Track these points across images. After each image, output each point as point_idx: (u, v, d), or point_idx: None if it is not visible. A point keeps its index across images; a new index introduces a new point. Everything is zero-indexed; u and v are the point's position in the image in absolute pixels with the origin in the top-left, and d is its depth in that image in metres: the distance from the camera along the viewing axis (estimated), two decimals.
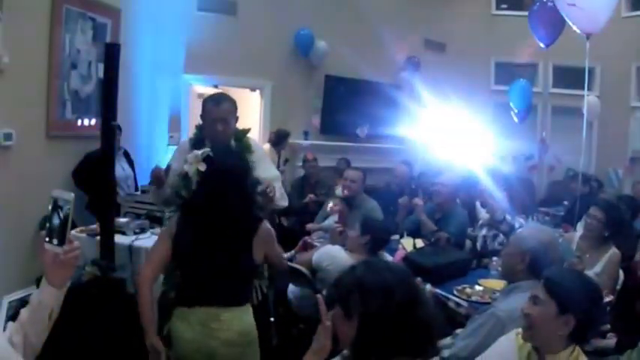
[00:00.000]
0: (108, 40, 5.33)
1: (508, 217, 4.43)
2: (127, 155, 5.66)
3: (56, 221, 1.49)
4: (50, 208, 1.49)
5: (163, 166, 3.23)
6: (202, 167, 2.74)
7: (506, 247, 2.81)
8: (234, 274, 2.57)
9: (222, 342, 2.49)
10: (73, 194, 1.49)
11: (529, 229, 2.89)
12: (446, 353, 2.51)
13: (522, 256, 2.51)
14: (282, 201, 3.26)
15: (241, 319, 2.57)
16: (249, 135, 3.35)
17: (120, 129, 5.43)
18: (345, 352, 1.69)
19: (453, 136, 7.59)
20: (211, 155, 2.77)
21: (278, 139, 7.00)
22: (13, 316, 4.07)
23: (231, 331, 2.51)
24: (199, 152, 2.81)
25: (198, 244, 2.54)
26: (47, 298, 1.53)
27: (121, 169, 5.37)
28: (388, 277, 1.63)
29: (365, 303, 1.60)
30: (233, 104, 3.15)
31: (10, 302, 4.33)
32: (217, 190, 2.55)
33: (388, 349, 1.58)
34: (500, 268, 3.28)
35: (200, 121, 3.20)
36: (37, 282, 3.95)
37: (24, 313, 1.55)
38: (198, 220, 2.57)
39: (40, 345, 1.56)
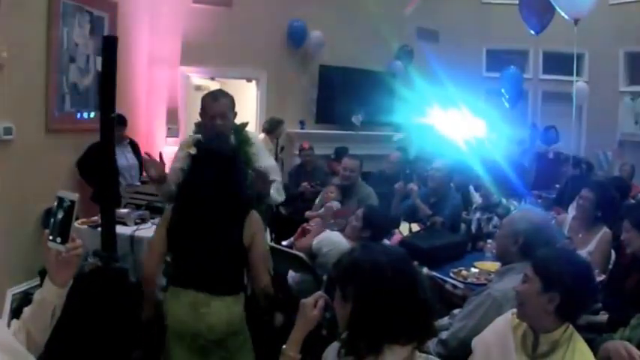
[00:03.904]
0: (105, 33, 5.36)
1: (504, 201, 4.52)
2: (133, 145, 5.72)
3: (60, 220, 1.51)
4: (55, 207, 1.52)
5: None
6: (193, 151, 2.77)
7: (500, 230, 2.85)
8: (226, 257, 2.61)
9: (208, 326, 2.57)
10: (77, 194, 1.52)
11: (521, 212, 2.93)
12: (444, 335, 2.56)
13: (515, 237, 2.56)
14: (278, 196, 3.31)
15: (229, 309, 2.62)
16: (246, 129, 3.41)
17: (125, 121, 5.48)
18: (344, 335, 1.68)
19: (446, 122, 7.68)
20: (201, 140, 2.80)
21: (272, 128, 7.03)
22: (16, 310, 4.13)
23: (217, 319, 2.58)
24: (190, 138, 2.83)
25: (192, 226, 2.59)
26: (50, 296, 1.55)
27: (125, 159, 5.42)
28: (383, 260, 1.64)
29: (359, 285, 1.62)
30: (231, 100, 3.19)
31: (14, 295, 4.37)
32: (207, 170, 2.59)
33: (382, 332, 1.59)
34: (494, 251, 3.34)
35: (199, 119, 3.24)
36: (40, 274, 3.98)
37: (27, 311, 1.56)
38: (192, 202, 2.61)
39: (44, 342, 1.58)
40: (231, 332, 2.64)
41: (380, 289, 1.59)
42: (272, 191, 3.17)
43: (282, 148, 7.22)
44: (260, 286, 2.71)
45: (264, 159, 3.34)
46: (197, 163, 2.70)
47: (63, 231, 1.51)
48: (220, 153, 2.65)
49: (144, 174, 5.48)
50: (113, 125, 3.48)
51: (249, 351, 2.76)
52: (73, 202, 1.51)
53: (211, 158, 2.63)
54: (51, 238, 1.52)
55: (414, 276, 1.70)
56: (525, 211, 2.89)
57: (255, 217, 2.69)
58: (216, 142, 2.81)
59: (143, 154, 3.19)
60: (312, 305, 1.82)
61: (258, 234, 2.70)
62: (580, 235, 3.89)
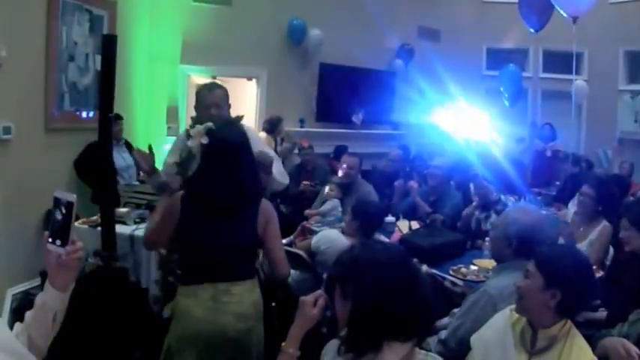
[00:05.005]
0: (105, 31, 5.36)
1: (503, 198, 4.53)
2: (128, 146, 5.71)
3: (59, 222, 1.46)
4: (53, 208, 1.47)
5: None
6: (205, 140, 2.64)
7: (494, 231, 2.85)
8: (241, 247, 2.54)
9: (235, 316, 2.46)
10: (75, 195, 1.47)
11: (514, 212, 2.86)
12: (443, 334, 2.56)
13: (509, 240, 2.55)
14: (282, 178, 3.32)
15: (252, 292, 2.56)
16: (242, 122, 3.39)
17: (121, 117, 5.48)
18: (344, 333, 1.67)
19: (446, 120, 7.70)
20: (213, 129, 2.78)
21: (272, 127, 7.03)
22: (17, 310, 4.12)
23: (244, 304, 2.49)
24: (201, 126, 2.79)
25: (205, 220, 2.50)
26: (51, 301, 1.51)
27: (122, 160, 5.42)
28: (382, 258, 1.64)
29: (358, 283, 1.61)
30: (225, 92, 3.23)
31: (14, 295, 4.37)
32: (222, 160, 2.52)
33: (382, 329, 1.58)
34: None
35: (194, 113, 3.24)
36: (41, 275, 3.96)
37: (28, 315, 1.53)
38: (204, 194, 2.53)
39: (46, 346, 1.54)
40: (258, 316, 2.57)
41: (379, 286, 1.59)
42: (274, 172, 3.14)
43: (282, 139, 7.22)
44: (284, 274, 2.69)
45: (260, 146, 3.27)
46: (210, 153, 2.57)
47: (62, 233, 1.46)
48: (234, 142, 2.57)
49: (142, 173, 5.51)
50: (111, 124, 3.48)
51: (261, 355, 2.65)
52: (71, 203, 1.46)
53: (225, 148, 2.55)
54: (50, 240, 1.47)
55: (413, 274, 1.69)
56: (518, 211, 2.83)
57: (266, 206, 2.64)
58: (228, 131, 2.69)
59: (134, 151, 3.20)
60: (312, 303, 1.82)
61: (271, 222, 2.63)
62: (581, 229, 3.99)
